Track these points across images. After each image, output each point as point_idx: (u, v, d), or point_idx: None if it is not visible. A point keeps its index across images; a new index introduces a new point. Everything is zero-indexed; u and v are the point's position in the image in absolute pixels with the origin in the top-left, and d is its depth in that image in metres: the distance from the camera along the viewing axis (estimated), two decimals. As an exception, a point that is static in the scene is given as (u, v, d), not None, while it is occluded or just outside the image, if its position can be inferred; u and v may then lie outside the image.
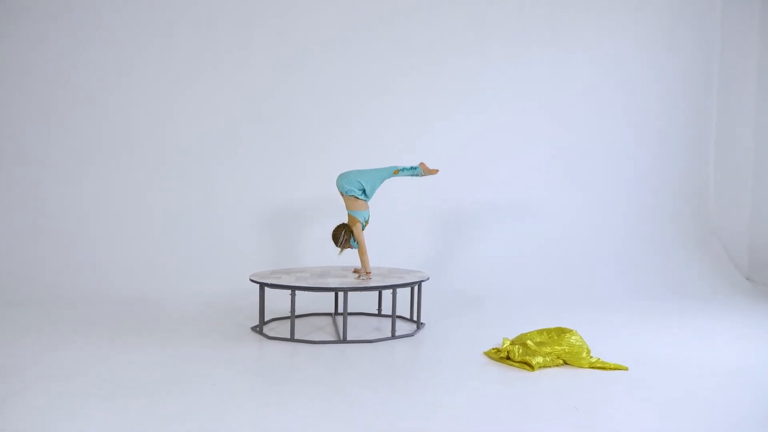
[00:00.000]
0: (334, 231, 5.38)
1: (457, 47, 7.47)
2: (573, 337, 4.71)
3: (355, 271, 5.56)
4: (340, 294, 5.80)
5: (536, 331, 4.96)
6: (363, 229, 5.40)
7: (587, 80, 7.66)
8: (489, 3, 7.48)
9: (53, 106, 7.03)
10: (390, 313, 5.67)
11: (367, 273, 5.35)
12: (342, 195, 5.41)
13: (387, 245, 6.90)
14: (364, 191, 5.34)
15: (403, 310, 5.84)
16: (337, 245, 5.39)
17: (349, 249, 5.49)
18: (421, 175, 5.45)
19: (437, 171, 5.53)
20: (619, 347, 4.89)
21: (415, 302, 5.56)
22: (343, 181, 5.37)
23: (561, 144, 7.65)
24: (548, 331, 4.94)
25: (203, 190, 7.18)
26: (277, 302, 5.92)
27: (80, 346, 4.79)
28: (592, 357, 4.47)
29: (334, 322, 5.59)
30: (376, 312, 5.92)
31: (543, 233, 7.51)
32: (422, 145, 7.39)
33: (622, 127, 7.75)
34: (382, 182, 5.40)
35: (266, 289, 5.21)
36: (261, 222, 7.21)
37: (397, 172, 5.38)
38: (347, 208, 5.43)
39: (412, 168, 5.42)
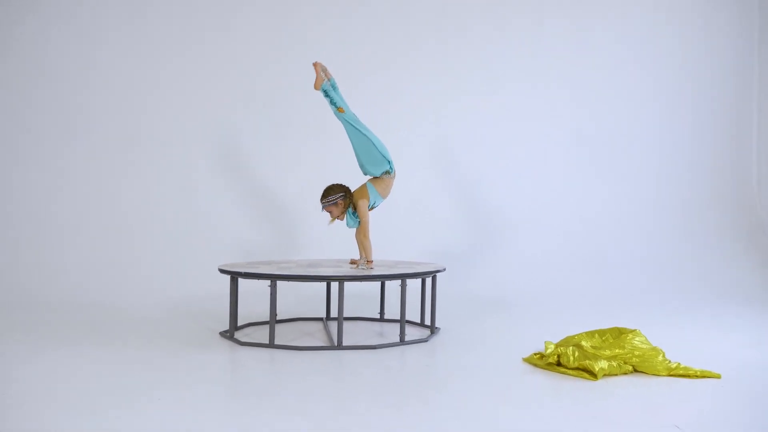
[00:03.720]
0: (328, 186, 4.27)
1: (469, 20, 6.55)
2: (637, 338, 3.66)
3: (353, 261, 4.47)
4: (334, 291, 4.71)
5: (585, 333, 3.90)
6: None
7: (614, 58, 6.83)
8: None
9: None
10: (395, 316, 4.60)
11: (368, 262, 4.25)
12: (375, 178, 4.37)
13: (391, 241, 5.83)
14: (389, 162, 4.31)
15: (412, 313, 4.72)
16: (322, 201, 4.22)
17: (340, 222, 4.35)
18: (331, 79, 4.30)
19: (315, 63, 4.30)
20: (687, 353, 3.81)
21: (428, 301, 4.46)
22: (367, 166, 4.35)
23: (584, 129, 6.75)
24: (601, 332, 3.88)
25: (180, 178, 6.11)
26: (255, 305, 4.81)
27: (24, 348, 3.71)
28: (670, 361, 3.39)
29: (326, 327, 4.46)
30: (378, 317, 4.81)
31: (565, 227, 6.55)
32: (430, 129, 6.45)
33: (652, 110, 6.88)
34: (363, 129, 4.25)
35: (240, 282, 4.10)
36: (246, 215, 6.12)
37: (341, 109, 4.24)
38: (370, 180, 4.35)
39: (324, 88, 4.27)
